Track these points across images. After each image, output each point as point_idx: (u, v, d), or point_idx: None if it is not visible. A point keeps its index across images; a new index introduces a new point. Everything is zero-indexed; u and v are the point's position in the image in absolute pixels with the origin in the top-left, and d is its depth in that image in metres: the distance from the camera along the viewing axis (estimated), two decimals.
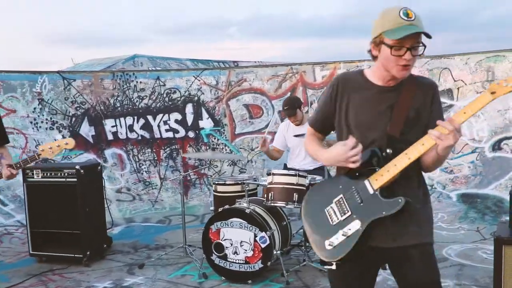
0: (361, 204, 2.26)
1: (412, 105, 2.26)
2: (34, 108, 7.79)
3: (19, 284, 4.82)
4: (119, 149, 8.35)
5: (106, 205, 5.75)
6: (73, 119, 8.14)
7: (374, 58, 2.28)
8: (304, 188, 4.59)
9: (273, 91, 8.57)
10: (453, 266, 4.86)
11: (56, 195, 5.29)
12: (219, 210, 4.73)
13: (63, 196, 5.27)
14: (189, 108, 8.66)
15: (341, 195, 2.34)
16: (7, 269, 5.30)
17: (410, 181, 2.29)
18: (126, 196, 7.76)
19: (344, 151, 2.20)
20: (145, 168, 8.32)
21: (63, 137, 7.66)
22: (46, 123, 7.86)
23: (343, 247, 2.30)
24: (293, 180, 4.61)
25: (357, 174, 2.30)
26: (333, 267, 2.40)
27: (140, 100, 8.58)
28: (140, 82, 8.63)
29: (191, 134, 8.60)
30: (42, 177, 5.35)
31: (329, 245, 2.33)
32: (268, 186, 4.73)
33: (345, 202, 2.32)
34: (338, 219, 2.33)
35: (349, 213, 2.28)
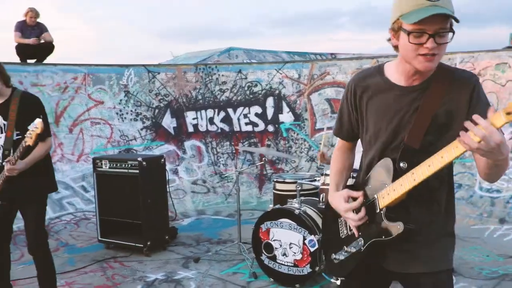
0: (367, 222, 2.03)
1: (441, 108, 1.87)
2: (120, 100, 8.15)
3: (81, 269, 5.05)
4: (199, 141, 8.49)
5: (169, 198, 5.84)
6: (156, 110, 8.40)
7: (396, 48, 1.91)
8: None
9: None
10: None
11: (121, 185, 5.48)
12: (268, 209, 4.58)
13: (127, 187, 5.44)
14: (269, 102, 8.56)
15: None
16: (77, 253, 5.60)
17: (427, 203, 1.97)
18: (201, 188, 7.86)
19: (343, 209, 2.08)
20: (222, 161, 8.38)
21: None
22: (131, 114, 8.19)
23: (346, 265, 2.15)
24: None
25: (369, 186, 2.04)
26: (338, 282, 2.24)
27: (221, 93, 8.64)
28: (222, 75, 8.68)
29: (270, 128, 8.49)
30: (109, 168, 5.55)
31: (335, 259, 2.20)
32: (321, 187, 4.49)
33: None
34: (346, 232, 2.17)
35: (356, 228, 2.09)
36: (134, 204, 5.40)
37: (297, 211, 4.34)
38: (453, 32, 1.76)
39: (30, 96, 3.83)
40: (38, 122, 3.44)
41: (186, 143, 8.42)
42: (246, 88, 8.63)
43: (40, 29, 8.45)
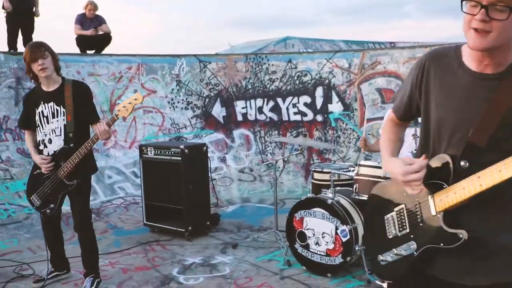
0: (421, 224, 1.88)
1: None
2: (172, 89, 8.39)
3: (125, 250, 5.30)
4: (247, 130, 8.59)
5: (212, 185, 5.98)
6: (207, 100, 8.58)
7: None
8: None
9: None
10: None
11: (165, 171, 5.67)
12: (302, 198, 4.60)
13: (170, 173, 5.62)
14: (319, 91, 8.51)
15: (404, 205, 1.98)
16: (123, 236, 5.87)
17: (495, 209, 1.74)
18: (247, 176, 7.98)
19: (403, 172, 1.79)
20: (270, 149, 8.44)
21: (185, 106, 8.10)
22: (182, 103, 8.41)
23: (395, 268, 2.01)
24: (380, 172, 4.27)
25: (425, 183, 1.81)
26: (385, 285, 2.15)
27: (271, 83, 8.68)
28: (272, 65, 8.71)
29: (319, 117, 8.45)
30: (154, 154, 5.76)
31: (382, 261, 2.06)
32: (355, 177, 4.46)
33: (406, 215, 1.96)
34: (395, 233, 2.01)
35: (407, 230, 1.95)
36: (176, 190, 5.58)
37: (329, 201, 4.33)
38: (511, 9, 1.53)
39: (81, 84, 4.14)
40: (137, 94, 3.73)
41: (235, 131, 8.55)
42: (295, 78, 8.62)
43: (99, 21, 8.83)
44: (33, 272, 4.69)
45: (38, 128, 4.02)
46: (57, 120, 3.93)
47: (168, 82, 8.39)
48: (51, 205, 4.00)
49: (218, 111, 8.60)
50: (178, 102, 8.40)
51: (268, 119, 8.64)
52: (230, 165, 8.18)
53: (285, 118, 8.60)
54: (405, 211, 1.96)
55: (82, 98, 3.96)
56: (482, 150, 1.69)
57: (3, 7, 7.91)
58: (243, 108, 8.67)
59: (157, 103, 8.25)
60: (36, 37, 8.13)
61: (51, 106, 3.96)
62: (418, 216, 1.89)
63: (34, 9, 8.23)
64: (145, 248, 5.39)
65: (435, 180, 1.81)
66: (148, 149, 5.82)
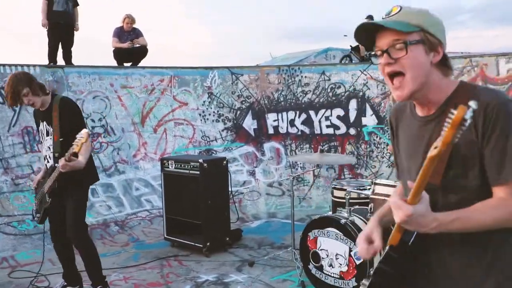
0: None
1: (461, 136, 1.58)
2: (204, 101, 8.38)
3: (142, 265, 5.27)
4: (278, 143, 8.46)
5: (231, 200, 5.89)
6: (238, 112, 8.52)
7: None
8: None
9: None
10: None
11: (184, 185, 5.63)
12: (315, 218, 4.42)
13: (189, 187, 5.57)
14: (352, 104, 8.27)
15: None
16: (144, 249, 5.86)
17: (457, 246, 1.65)
18: (276, 191, 7.83)
19: (360, 238, 1.80)
20: (300, 163, 8.26)
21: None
22: (213, 115, 8.39)
23: None
24: None
25: None
26: None
27: (304, 95, 8.52)
28: (305, 77, 8.56)
29: (352, 131, 8.20)
30: (174, 168, 5.73)
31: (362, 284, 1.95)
32: (371, 196, 4.25)
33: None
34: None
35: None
36: (195, 205, 5.52)
37: (343, 221, 4.14)
38: (405, 44, 1.56)
39: (66, 101, 4.09)
40: (84, 132, 3.70)
41: (266, 144, 8.43)
42: (329, 90, 8.43)
43: (136, 34, 8.98)
44: (49, 284, 4.73)
45: (41, 144, 4.17)
46: (50, 139, 4.02)
47: (199, 94, 8.40)
48: (37, 215, 4.18)
49: (249, 123, 8.52)
50: (209, 114, 8.38)
51: (299, 132, 8.47)
52: (259, 178, 8.06)
53: (317, 131, 8.41)
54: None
55: (67, 116, 3.96)
56: (439, 190, 1.61)
57: (43, 24, 8.19)
58: (274, 120, 8.55)
59: (188, 115, 8.26)
60: (75, 50, 8.39)
61: (45, 125, 4.05)
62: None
63: (74, 24, 8.47)
64: (162, 263, 5.34)
65: None
66: (169, 163, 5.80)
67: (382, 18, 1.65)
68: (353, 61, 11.26)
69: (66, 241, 4.29)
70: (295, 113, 8.52)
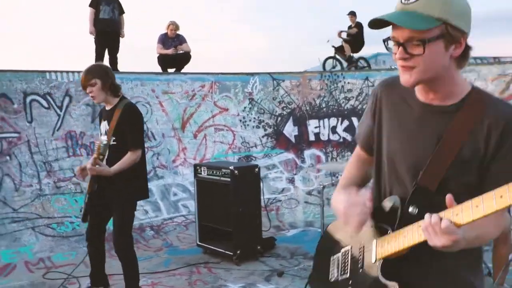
0: (360, 271, 1.68)
1: (466, 141, 1.51)
2: (244, 107, 8.33)
3: (171, 271, 5.27)
4: (319, 150, 8.27)
5: (263, 207, 5.79)
6: (279, 118, 8.42)
7: None
8: None
9: (498, 93, 7.19)
10: None
11: (216, 192, 5.59)
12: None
13: (221, 194, 5.52)
14: None
15: (350, 247, 1.79)
16: (175, 255, 5.86)
17: (436, 260, 1.58)
18: (314, 199, 7.65)
19: (347, 204, 1.66)
20: (341, 171, 8.03)
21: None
22: (254, 121, 8.32)
23: None
24: None
25: (371, 225, 1.68)
26: None
27: (346, 101, 8.31)
28: (348, 83, 8.35)
29: None
30: (207, 174, 5.70)
31: None
32: None
33: (349, 259, 1.77)
34: (336, 276, 1.82)
35: (347, 275, 1.75)
36: (225, 212, 5.47)
37: None
38: (423, 43, 1.43)
39: (129, 108, 4.09)
40: (103, 139, 3.80)
41: (306, 152, 8.27)
42: None
43: (179, 40, 9.11)
44: (79, 286, 4.80)
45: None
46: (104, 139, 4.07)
47: (240, 100, 8.36)
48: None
49: (290, 130, 8.39)
50: (250, 120, 8.33)
51: (341, 139, 8.26)
52: (298, 186, 7.91)
53: None
54: (349, 254, 1.75)
55: (125, 122, 3.99)
56: (433, 195, 1.52)
57: (90, 32, 8.45)
58: (316, 127, 8.38)
59: (229, 121, 8.24)
60: (121, 56, 8.59)
61: (105, 125, 4.11)
62: (360, 262, 1.69)
63: (120, 31, 8.68)
64: (192, 270, 5.32)
65: (383, 223, 1.62)
66: (202, 169, 5.77)
67: (401, 3, 1.48)
68: (341, 62, 11.33)
69: (99, 244, 4.33)
70: (337, 120, 8.32)
